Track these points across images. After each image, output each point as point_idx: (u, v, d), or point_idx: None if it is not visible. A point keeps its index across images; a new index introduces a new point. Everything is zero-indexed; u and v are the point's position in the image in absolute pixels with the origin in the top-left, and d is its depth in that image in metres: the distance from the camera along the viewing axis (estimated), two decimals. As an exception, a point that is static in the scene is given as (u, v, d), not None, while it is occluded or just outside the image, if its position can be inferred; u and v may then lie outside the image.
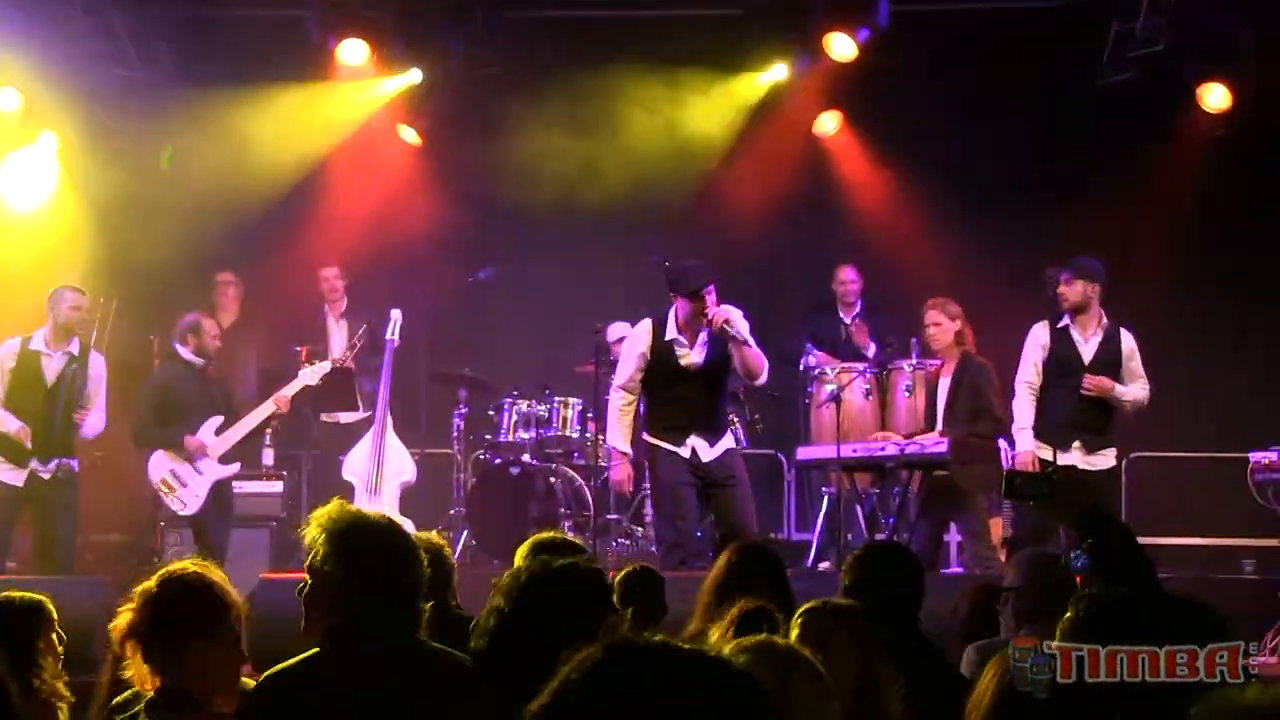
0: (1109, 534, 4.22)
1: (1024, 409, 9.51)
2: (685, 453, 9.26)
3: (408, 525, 5.76)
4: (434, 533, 6.90)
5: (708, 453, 9.25)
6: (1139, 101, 11.93)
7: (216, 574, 4.08)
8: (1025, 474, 4.67)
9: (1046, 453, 9.31)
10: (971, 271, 11.26)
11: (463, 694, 3.69)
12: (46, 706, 4.89)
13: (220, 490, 10.37)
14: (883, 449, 10.08)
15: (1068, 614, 4.29)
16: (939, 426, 10.00)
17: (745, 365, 9.19)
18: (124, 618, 4.00)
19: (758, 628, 4.09)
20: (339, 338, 11.92)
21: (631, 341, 9.55)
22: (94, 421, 10.17)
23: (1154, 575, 4.22)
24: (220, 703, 3.97)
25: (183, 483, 10.22)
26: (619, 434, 9.47)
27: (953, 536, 10.79)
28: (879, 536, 10.34)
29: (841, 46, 11.88)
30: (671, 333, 9.30)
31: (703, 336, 9.26)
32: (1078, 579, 5.46)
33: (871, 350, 11.44)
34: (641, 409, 9.63)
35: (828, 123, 12.81)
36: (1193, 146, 11.96)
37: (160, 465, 10.29)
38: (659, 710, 1.80)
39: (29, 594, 5.23)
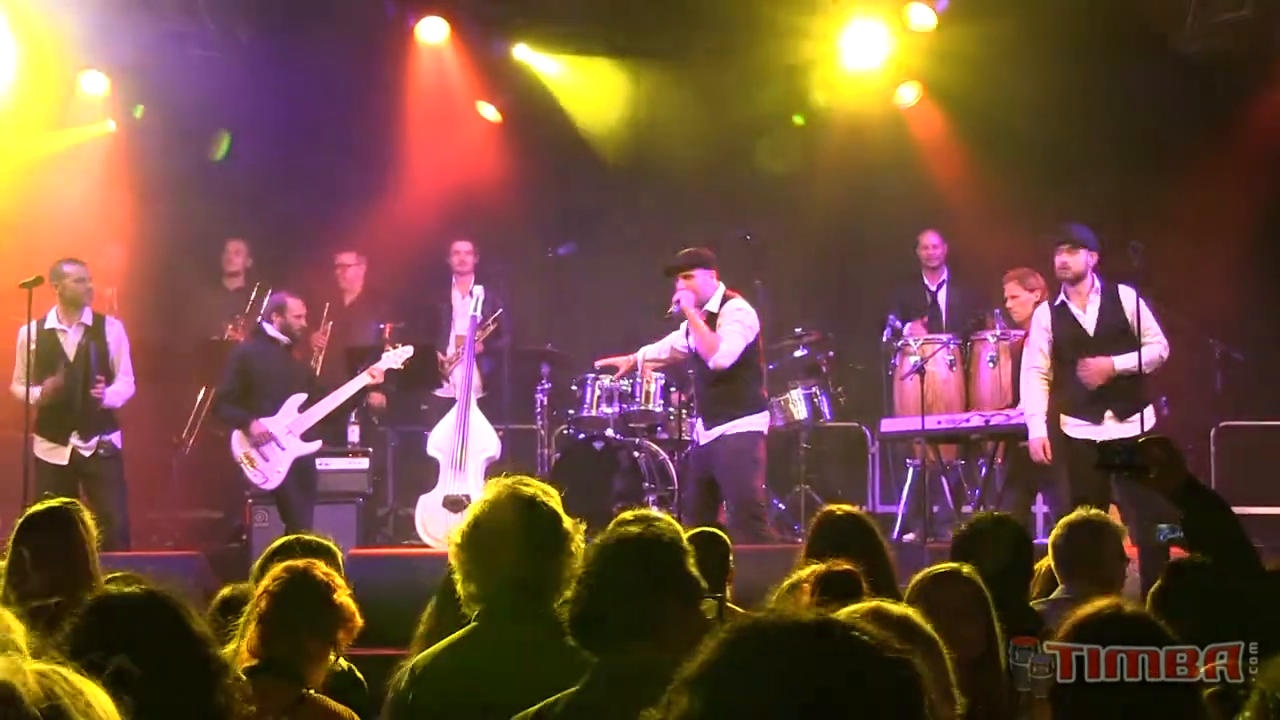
0: (1205, 505, 4.14)
1: (1034, 395, 9.21)
2: (698, 439, 9.68)
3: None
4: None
5: (703, 436, 9.62)
6: (1225, 68, 11.74)
7: (341, 590, 4.13)
8: (1118, 445, 4.51)
9: (1083, 429, 9.03)
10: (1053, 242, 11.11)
11: None
12: None
13: (302, 466, 10.41)
14: (967, 420, 10.01)
15: (1157, 583, 4.24)
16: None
17: (698, 345, 9.46)
18: (257, 594, 4.10)
19: (841, 591, 4.01)
20: (464, 310, 11.70)
21: None
22: (119, 389, 10.04)
23: (1250, 548, 4.14)
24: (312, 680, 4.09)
25: (265, 457, 10.28)
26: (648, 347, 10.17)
27: (1039, 508, 10.70)
28: (965, 508, 10.28)
29: (921, 17, 11.79)
30: None
31: None
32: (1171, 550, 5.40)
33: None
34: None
35: (907, 93, 12.70)
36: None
37: (244, 439, 10.38)
38: (803, 688, 1.77)
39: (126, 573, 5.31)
